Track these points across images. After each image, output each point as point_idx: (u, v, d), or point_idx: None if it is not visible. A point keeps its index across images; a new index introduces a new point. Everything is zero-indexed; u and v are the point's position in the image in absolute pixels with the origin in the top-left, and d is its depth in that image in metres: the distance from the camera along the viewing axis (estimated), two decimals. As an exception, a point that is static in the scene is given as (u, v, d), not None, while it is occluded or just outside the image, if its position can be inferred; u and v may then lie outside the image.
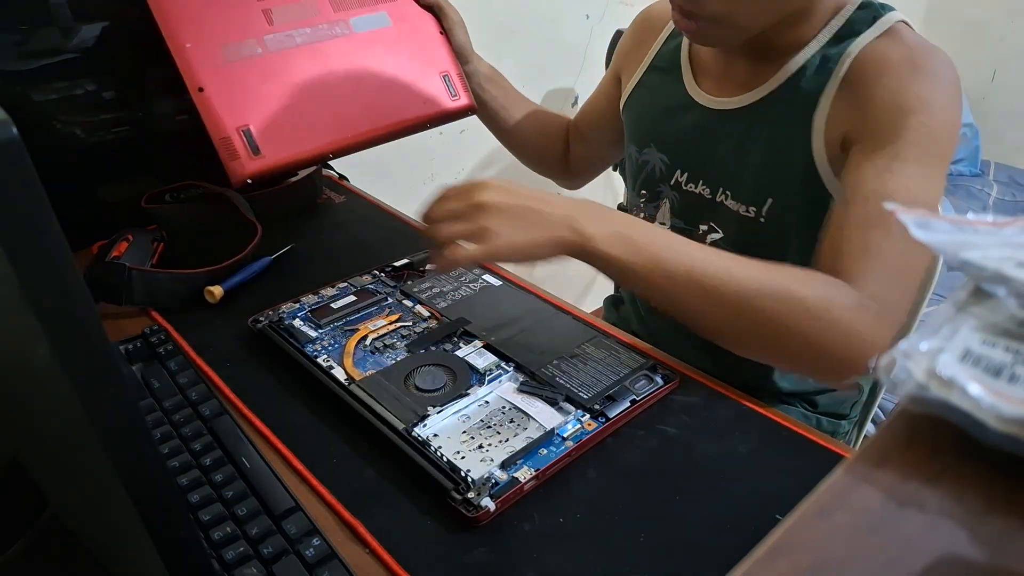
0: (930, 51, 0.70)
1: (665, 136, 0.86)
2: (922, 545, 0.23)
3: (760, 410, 0.64)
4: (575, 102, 1.82)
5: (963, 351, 0.25)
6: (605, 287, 1.25)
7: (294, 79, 0.84)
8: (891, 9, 0.74)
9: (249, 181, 0.79)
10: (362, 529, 0.53)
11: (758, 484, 0.57)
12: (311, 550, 0.49)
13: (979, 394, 0.24)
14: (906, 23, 0.73)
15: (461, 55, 0.98)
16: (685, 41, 0.86)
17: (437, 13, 0.96)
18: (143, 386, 0.65)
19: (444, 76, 0.94)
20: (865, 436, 1.01)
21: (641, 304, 0.96)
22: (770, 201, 0.77)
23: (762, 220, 0.78)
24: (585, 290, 2.08)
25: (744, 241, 0.81)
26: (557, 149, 1.09)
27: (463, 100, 0.95)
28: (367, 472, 0.59)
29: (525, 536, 0.53)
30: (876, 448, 0.26)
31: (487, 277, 0.82)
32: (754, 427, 0.62)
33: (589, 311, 0.79)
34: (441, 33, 0.96)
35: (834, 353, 0.60)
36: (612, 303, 1.09)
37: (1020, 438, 0.23)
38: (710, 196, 0.82)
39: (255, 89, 0.81)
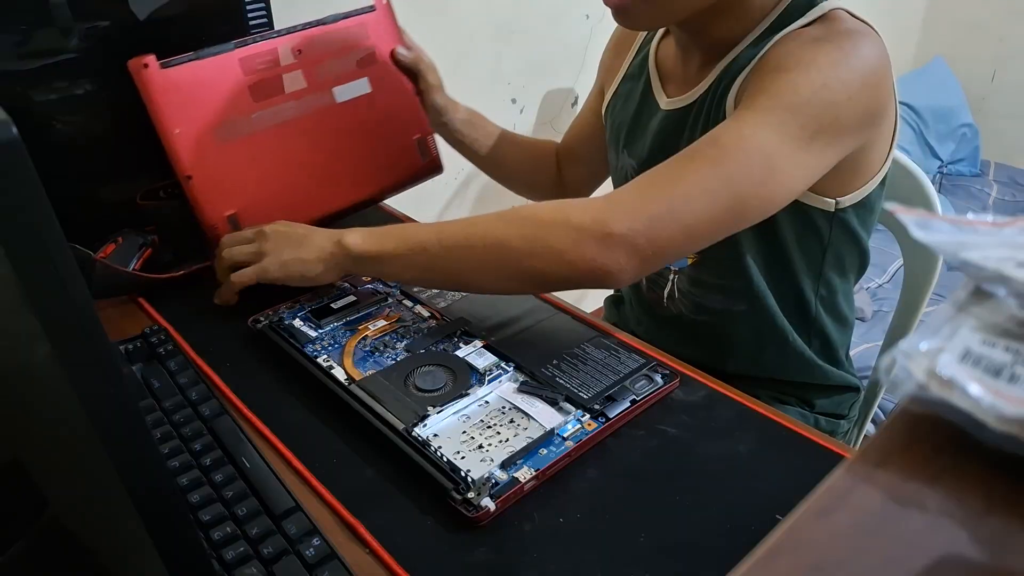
0: (852, 33, 0.66)
1: (634, 141, 0.87)
2: (922, 545, 0.23)
3: (760, 410, 0.64)
4: (575, 102, 1.82)
5: (963, 351, 0.25)
6: (605, 287, 1.25)
7: (280, 157, 0.84)
8: None
9: None
10: (362, 529, 0.53)
11: (758, 484, 0.57)
12: (311, 550, 0.49)
13: (979, 394, 0.24)
14: (846, 11, 0.70)
15: (438, 112, 0.98)
16: (652, 48, 0.87)
17: (415, 76, 0.96)
18: (143, 386, 0.65)
19: (418, 140, 0.95)
20: (865, 436, 1.01)
21: (641, 304, 0.96)
22: None
23: None
24: (585, 290, 2.08)
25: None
26: (549, 176, 1.09)
27: (433, 161, 0.97)
28: (367, 472, 0.58)
29: (525, 536, 0.53)
30: (876, 448, 0.26)
31: (487, 277, 0.82)
32: (754, 427, 0.62)
33: (589, 311, 0.79)
34: (416, 94, 0.96)
35: (568, 258, 0.62)
36: (612, 303, 1.09)
37: (1020, 438, 0.23)
38: None
39: (242, 172, 0.81)
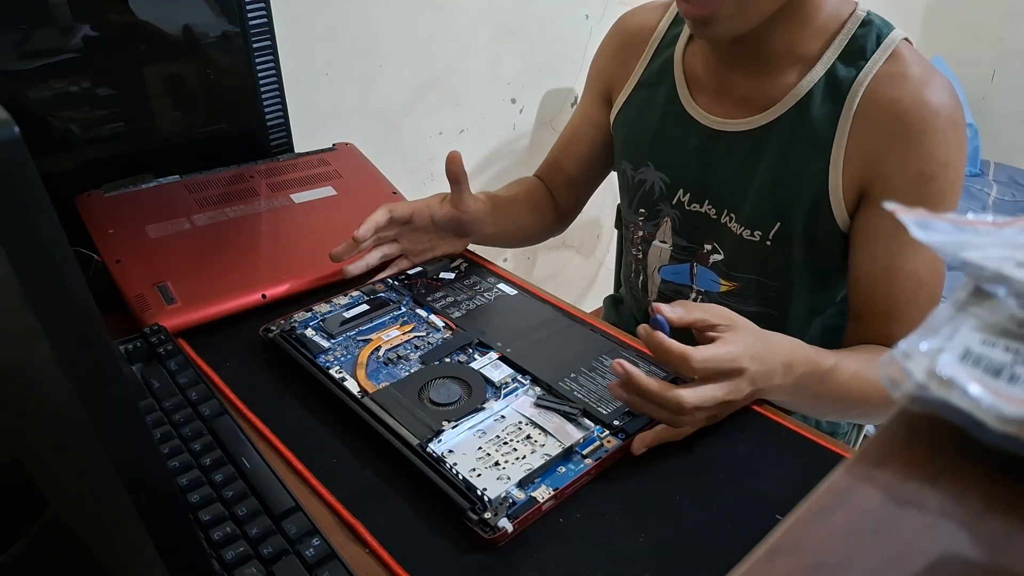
0: (933, 82, 0.70)
1: (663, 155, 0.84)
2: (922, 545, 0.23)
3: (760, 410, 0.64)
4: (575, 102, 1.82)
5: (963, 351, 0.25)
6: (605, 287, 1.25)
7: (225, 240, 0.84)
8: (891, 28, 0.73)
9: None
10: (362, 529, 0.53)
11: (758, 484, 0.57)
12: (311, 550, 0.49)
13: (979, 394, 0.24)
14: (907, 40, 0.73)
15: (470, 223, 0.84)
16: (677, 54, 0.84)
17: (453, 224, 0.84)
18: (143, 386, 0.65)
19: None
20: (865, 436, 1.01)
21: (639, 304, 0.96)
22: (778, 226, 0.76)
23: (768, 244, 0.77)
24: (585, 289, 2.08)
25: (742, 264, 0.81)
26: (549, 215, 0.99)
27: None
28: (367, 472, 0.58)
29: (525, 536, 0.53)
30: (876, 448, 0.26)
31: (502, 286, 0.80)
32: (754, 427, 0.62)
33: (589, 311, 0.79)
34: (394, 192, 0.95)
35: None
36: (612, 303, 1.09)
37: (1020, 438, 0.23)
38: (715, 216, 0.81)
39: (179, 252, 0.81)
